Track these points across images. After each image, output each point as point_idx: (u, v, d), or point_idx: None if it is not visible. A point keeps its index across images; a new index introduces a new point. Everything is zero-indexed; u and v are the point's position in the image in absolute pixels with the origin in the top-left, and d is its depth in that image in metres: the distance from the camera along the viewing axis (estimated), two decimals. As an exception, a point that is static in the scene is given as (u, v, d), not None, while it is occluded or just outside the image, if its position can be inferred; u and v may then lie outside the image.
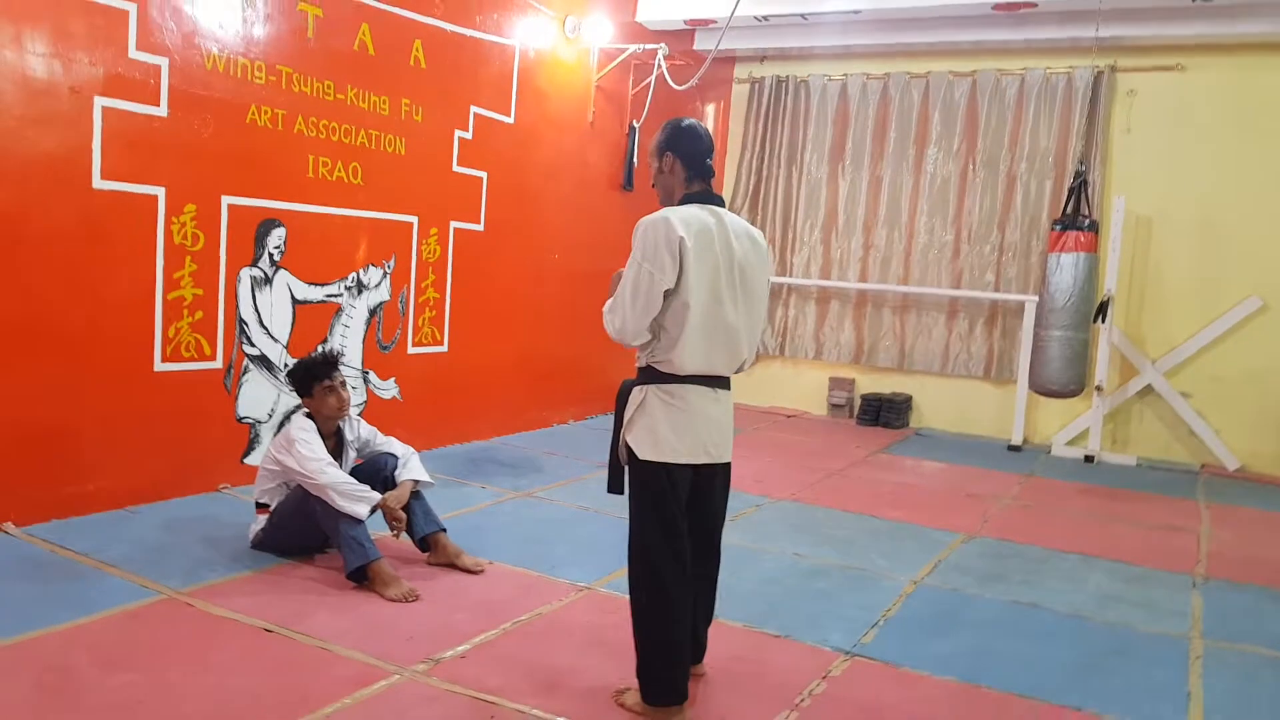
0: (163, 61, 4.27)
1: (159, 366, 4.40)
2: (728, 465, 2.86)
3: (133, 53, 4.15)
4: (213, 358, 4.64)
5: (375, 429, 4.13)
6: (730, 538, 4.53)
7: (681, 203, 2.76)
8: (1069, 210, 6.79)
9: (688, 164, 2.76)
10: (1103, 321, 7.18)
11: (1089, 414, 7.57)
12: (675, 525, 2.71)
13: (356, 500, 3.66)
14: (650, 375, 2.72)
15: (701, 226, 2.65)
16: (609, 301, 2.70)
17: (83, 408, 4.12)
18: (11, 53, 3.76)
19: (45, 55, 3.86)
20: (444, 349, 6.14)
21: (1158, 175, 7.57)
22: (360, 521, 3.65)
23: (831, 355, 8.84)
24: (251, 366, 4.84)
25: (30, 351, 3.92)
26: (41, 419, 3.99)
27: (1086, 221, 6.69)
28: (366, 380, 5.58)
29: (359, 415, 5.22)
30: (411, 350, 5.89)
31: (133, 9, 4.12)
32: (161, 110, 4.29)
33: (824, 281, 8.78)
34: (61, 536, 3.88)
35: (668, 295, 2.61)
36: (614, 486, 2.83)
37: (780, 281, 8.95)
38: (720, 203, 2.79)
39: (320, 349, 5.16)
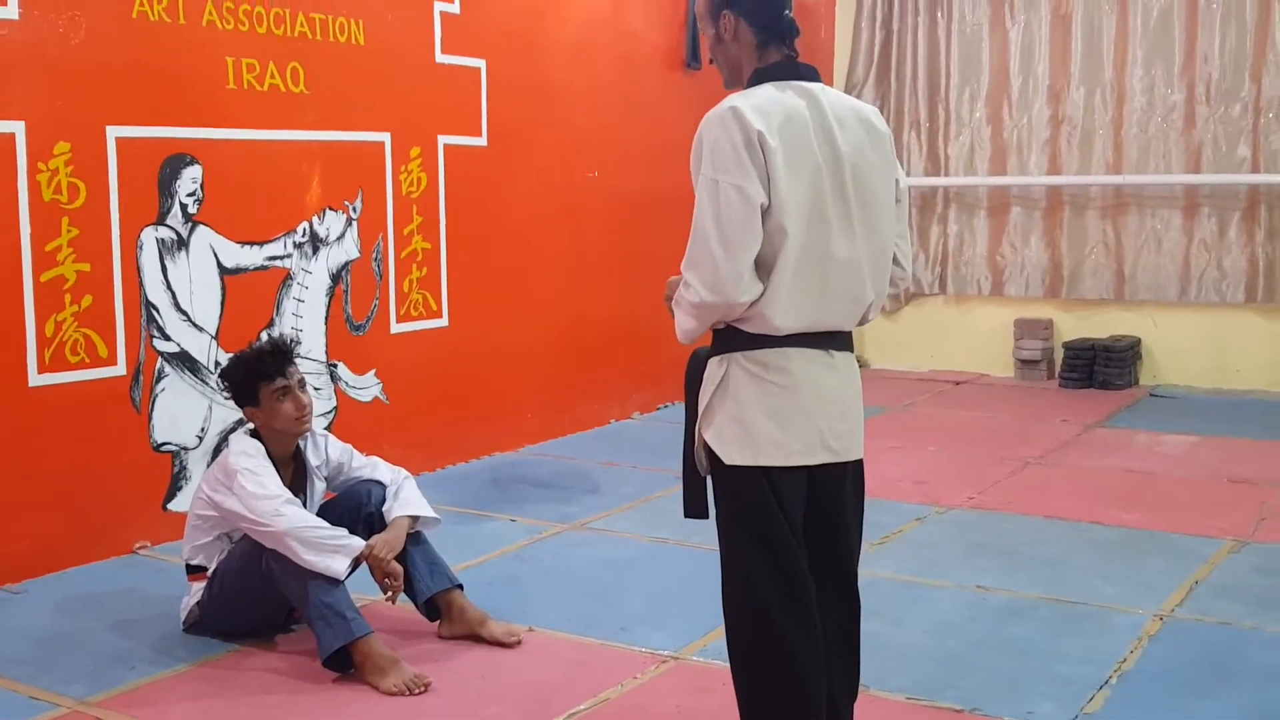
0: (4, -62, 4.29)
1: (36, 380, 4.44)
2: (859, 464, 2.79)
3: (-39, -71, 4.17)
4: (111, 361, 4.68)
5: (350, 447, 4.13)
6: (881, 568, 4.52)
7: (754, 82, 2.67)
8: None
9: (757, 23, 2.68)
10: None
11: None
12: (788, 557, 2.64)
13: (330, 552, 3.64)
14: (732, 339, 2.64)
15: (788, 115, 2.57)
16: (684, 262, 2.61)
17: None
18: None
19: None
20: (443, 323, 6.15)
21: None
22: (338, 583, 3.63)
23: (1016, 287, 8.74)
24: (168, 369, 4.88)
25: None
26: None
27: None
28: (335, 377, 5.61)
29: (326, 429, 5.27)
30: (396, 328, 5.91)
31: None
32: (10, 11, 4.31)
33: (996, 179, 8.60)
34: (-87, 638, 3.94)
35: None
36: (693, 508, 2.78)
37: (928, 183, 8.79)
38: (813, 76, 2.70)
39: (265, 336, 5.17)
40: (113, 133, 4.66)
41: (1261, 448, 6.55)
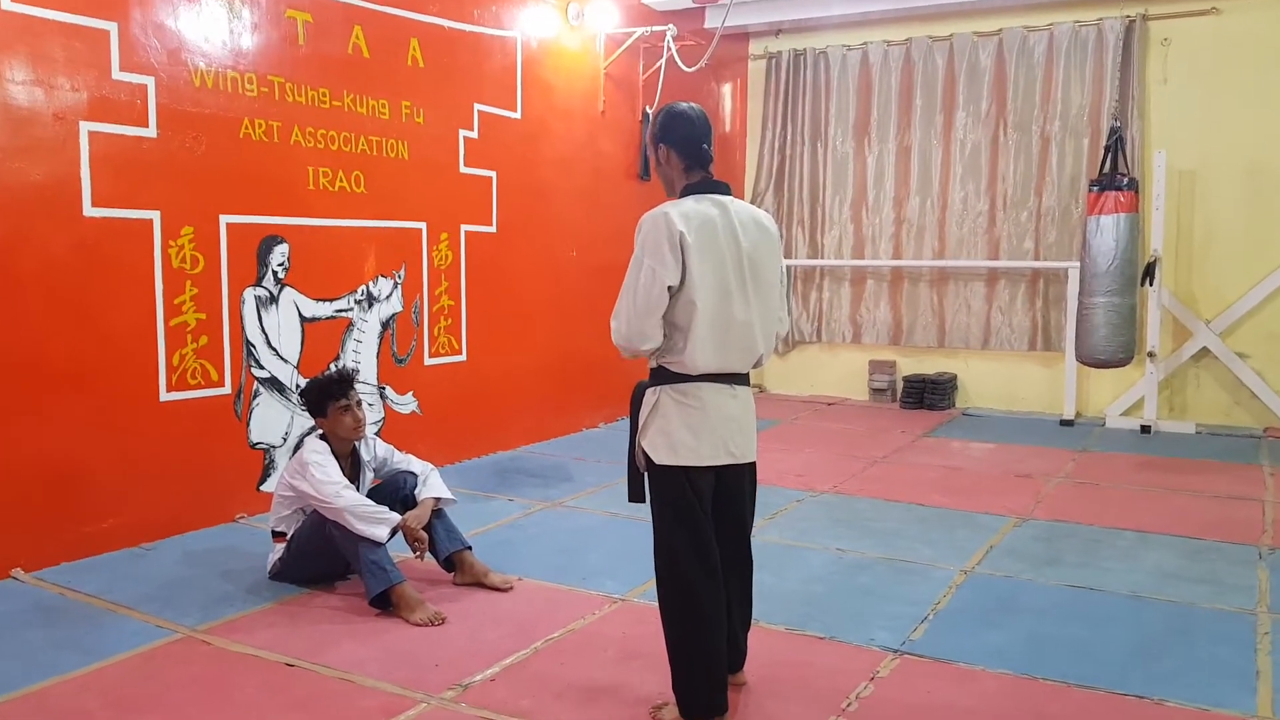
0: (149, 80, 4.26)
1: (165, 396, 4.40)
2: (753, 465, 2.81)
3: (116, 74, 4.14)
4: (221, 384, 4.63)
5: (392, 447, 4.10)
6: (769, 536, 4.53)
7: (684, 194, 2.70)
8: (1106, 169, 6.64)
9: (683, 152, 2.70)
10: (1151, 284, 7.01)
11: (1143, 382, 7.39)
12: (701, 531, 2.66)
13: (375, 522, 3.63)
14: (663, 376, 2.67)
15: (703, 220, 2.60)
16: (613, 310, 2.64)
17: (89, 444, 4.13)
18: (-6, 83, 3.77)
19: (25, 83, 3.87)
20: (462, 358, 6.11)
21: (1199, 127, 7.38)
22: (380, 545, 3.62)
23: (870, 337, 8.75)
24: (262, 390, 4.83)
25: (31, 390, 3.93)
26: (46, 459, 3.99)
27: (1125, 180, 6.52)
28: (383, 396, 5.55)
29: (376, 434, 5.24)
30: (429, 361, 5.86)
31: (113, 28, 4.12)
32: (150, 131, 4.29)
33: (857, 261, 8.68)
34: (71, 579, 3.88)
35: (674, 295, 2.55)
36: (634, 495, 2.79)
37: (811, 264, 8.86)
38: (725, 190, 2.73)
39: (333, 367, 5.14)
40: (224, 219, 4.63)
41: (1038, 452, 6.61)
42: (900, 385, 8.57)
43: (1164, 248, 7.21)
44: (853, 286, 8.81)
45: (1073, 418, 7.65)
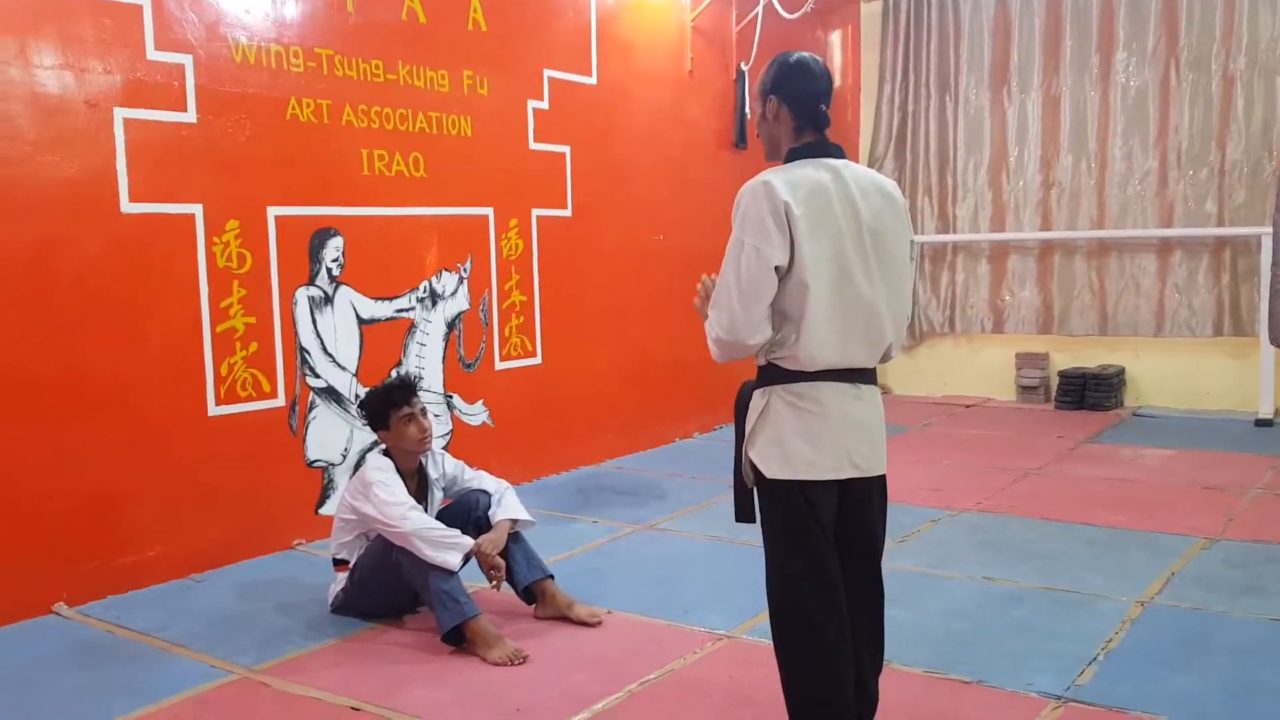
0: (186, 59, 4.45)
1: (214, 411, 4.58)
2: (883, 478, 2.77)
3: (151, 53, 4.33)
4: (273, 395, 4.80)
5: (462, 463, 4.18)
6: (901, 562, 4.48)
7: (789, 158, 2.69)
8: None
9: (797, 109, 2.68)
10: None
11: (1361, 370, 7.09)
12: (822, 557, 2.63)
13: (446, 548, 3.70)
14: (772, 374, 2.65)
15: (814, 187, 2.58)
16: (710, 302, 2.64)
17: (132, 467, 4.32)
18: (16, 69, 3.97)
19: (54, 67, 4.07)
20: (537, 361, 6.20)
21: None
22: (453, 573, 3.69)
23: (1014, 325, 8.59)
24: (318, 401, 4.98)
25: (68, 409, 4.13)
26: (87, 484, 4.19)
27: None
28: (451, 406, 5.67)
29: (444, 448, 5.34)
30: (500, 365, 5.96)
31: (146, 3, 4.30)
32: (190, 116, 4.47)
33: (997, 235, 8.51)
34: (119, 614, 4.06)
35: (782, 277, 2.54)
36: (742, 514, 2.77)
37: (942, 240, 8.72)
38: (840, 154, 2.70)
39: (395, 373, 5.27)
40: (272, 212, 4.79)
41: (1229, 459, 6.38)
42: (1055, 382, 8.38)
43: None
44: (992, 265, 8.65)
45: (1271, 416, 7.38)
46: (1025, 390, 8.58)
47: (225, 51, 4.59)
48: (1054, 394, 8.39)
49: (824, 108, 2.68)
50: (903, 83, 8.89)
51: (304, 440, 4.94)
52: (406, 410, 3.92)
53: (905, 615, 3.86)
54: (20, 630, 3.93)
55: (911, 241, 2.79)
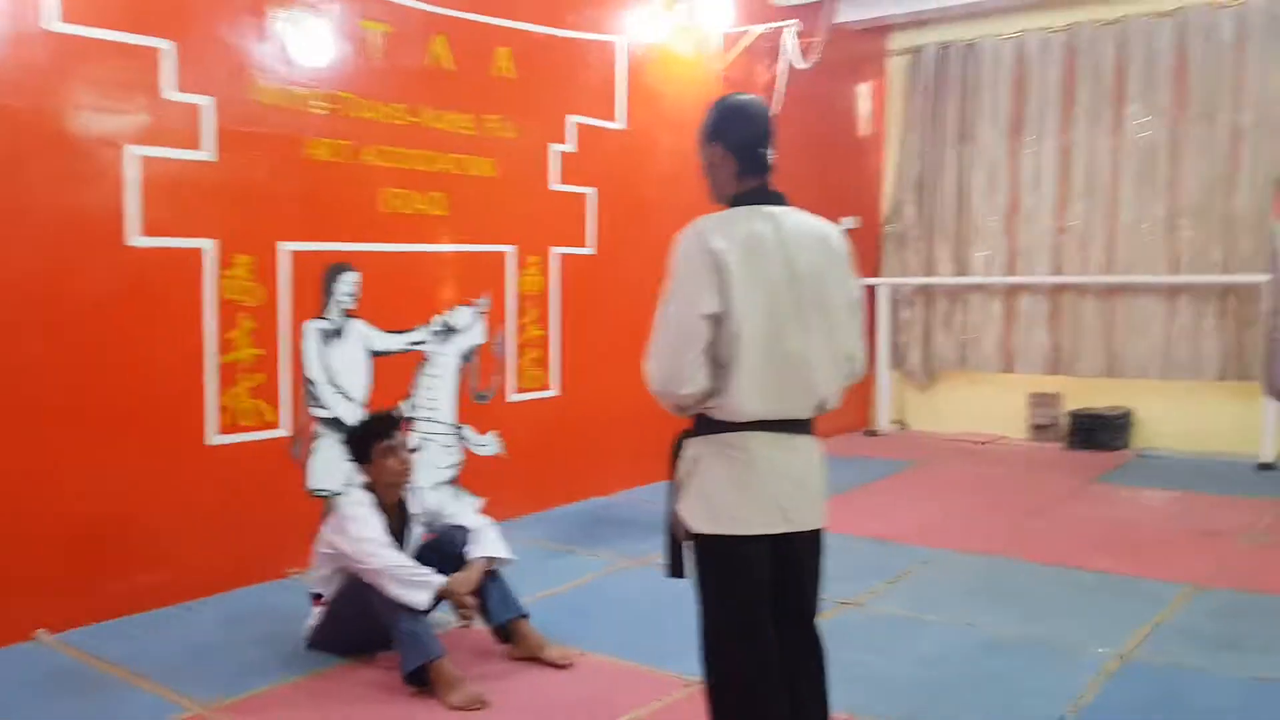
0: (205, 100, 4.22)
1: (213, 439, 4.30)
2: (817, 534, 2.43)
3: (168, 93, 4.11)
4: (276, 425, 4.52)
5: (445, 498, 3.91)
6: (884, 606, 4.09)
7: (732, 204, 2.38)
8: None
9: (739, 155, 2.39)
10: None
11: (1368, 419, 6.49)
12: (752, 614, 2.31)
13: (415, 587, 3.39)
14: (704, 425, 2.33)
15: (750, 236, 2.27)
16: (646, 353, 2.32)
17: (128, 493, 4.04)
18: (33, 104, 3.76)
19: (71, 105, 3.85)
20: (554, 393, 5.88)
21: None
22: (422, 612, 3.37)
23: (1024, 365, 8.09)
24: (323, 431, 4.70)
25: (67, 433, 3.87)
26: (80, 508, 3.91)
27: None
28: (461, 436, 5.36)
29: (454, 479, 5.06)
30: (513, 398, 5.65)
31: (166, 46, 4.08)
32: (206, 154, 4.24)
33: (1010, 278, 8.06)
34: (96, 644, 3.74)
35: (716, 326, 2.20)
36: (673, 569, 2.45)
37: (958, 282, 8.27)
38: (780, 200, 2.39)
39: (403, 405, 4.99)
40: (285, 246, 4.53)
41: (1228, 502, 5.87)
42: (1067, 421, 7.85)
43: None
44: (1005, 307, 8.18)
45: (1272, 460, 6.84)
46: (1038, 429, 8.08)
47: (245, 94, 4.35)
48: (1067, 433, 7.85)
49: (764, 151, 2.37)
50: (924, 131, 8.48)
51: (305, 469, 4.65)
52: (388, 442, 3.64)
53: (878, 661, 3.51)
54: (-6, 657, 3.64)
55: (853, 291, 2.44)
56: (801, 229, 2.34)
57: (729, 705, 2.33)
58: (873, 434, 8.43)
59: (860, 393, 8.74)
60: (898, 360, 8.67)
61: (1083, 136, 7.72)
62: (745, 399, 2.25)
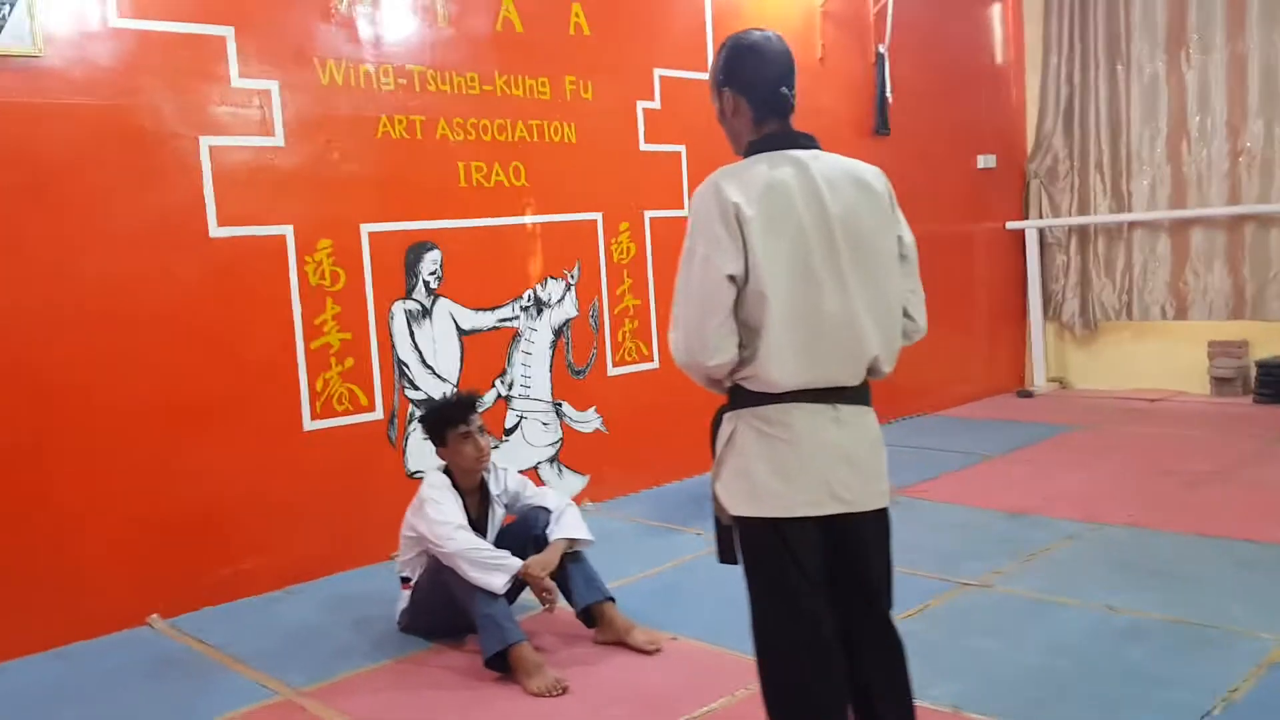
0: (272, 85, 4.38)
1: (309, 425, 4.50)
2: (881, 513, 2.28)
3: (236, 81, 4.29)
4: (371, 408, 4.69)
5: (526, 479, 3.94)
6: (1014, 586, 3.92)
7: (747, 153, 2.26)
8: None
9: (754, 98, 2.26)
10: None
11: None
12: (800, 602, 2.20)
13: (491, 570, 3.46)
14: (739, 397, 2.23)
15: (769, 184, 2.14)
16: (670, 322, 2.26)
17: (229, 482, 4.29)
18: (102, 101, 3.98)
19: (140, 99, 4.06)
20: (654, 365, 5.87)
21: None
22: (499, 596, 3.45)
23: (1200, 311, 7.59)
24: (418, 412, 4.83)
25: (167, 428, 4.14)
26: (185, 499, 4.18)
27: None
28: (560, 414, 5.43)
29: (554, 457, 5.13)
30: (613, 371, 5.68)
31: (229, 32, 4.26)
32: (277, 139, 4.41)
33: (1176, 212, 7.55)
34: (203, 628, 4.02)
35: (742, 288, 2.12)
36: (723, 555, 2.36)
37: (1116, 220, 7.83)
38: (808, 144, 2.26)
39: (497, 383, 5.09)
40: (365, 229, 4.68)
41: None
42: (1254, 372, 7.34)
43: None
44: (1173, 244, 7.68)
45: None
46: (1220, 382, 7.57)
47: (312, 75, 4.50)
48: (1254, 385, 7.34)
49: (785, 91, 2.25)
50: (1069, 54, 8.02)
51: (404, 451, 4.81)
52: (464, 428, 3.70)
53: (997, 649, 3.35)
54: (111, 641, 3.94)
55: (901, 238, 2.30)
56: (834, 172, 2.21)
57: (782, 701, 2.26)
58: (1028, 395, 8.07)
59: (1011, 349, 8.39)
60: (1052, 311, 8.28)
61: (1257, 43, 7.15)
62: (778, 367, 2.13)
